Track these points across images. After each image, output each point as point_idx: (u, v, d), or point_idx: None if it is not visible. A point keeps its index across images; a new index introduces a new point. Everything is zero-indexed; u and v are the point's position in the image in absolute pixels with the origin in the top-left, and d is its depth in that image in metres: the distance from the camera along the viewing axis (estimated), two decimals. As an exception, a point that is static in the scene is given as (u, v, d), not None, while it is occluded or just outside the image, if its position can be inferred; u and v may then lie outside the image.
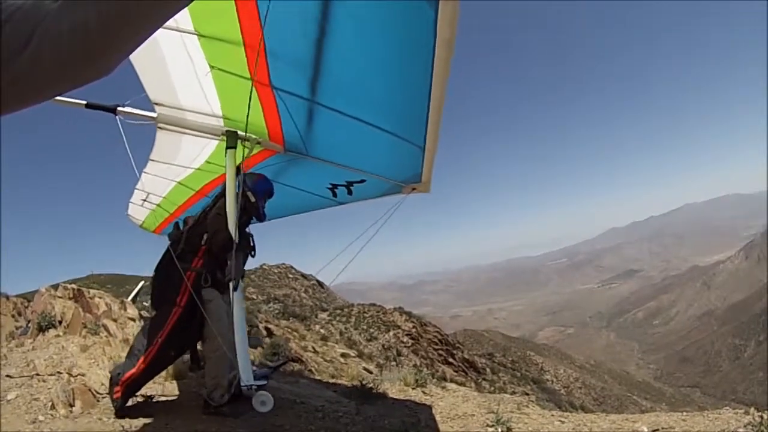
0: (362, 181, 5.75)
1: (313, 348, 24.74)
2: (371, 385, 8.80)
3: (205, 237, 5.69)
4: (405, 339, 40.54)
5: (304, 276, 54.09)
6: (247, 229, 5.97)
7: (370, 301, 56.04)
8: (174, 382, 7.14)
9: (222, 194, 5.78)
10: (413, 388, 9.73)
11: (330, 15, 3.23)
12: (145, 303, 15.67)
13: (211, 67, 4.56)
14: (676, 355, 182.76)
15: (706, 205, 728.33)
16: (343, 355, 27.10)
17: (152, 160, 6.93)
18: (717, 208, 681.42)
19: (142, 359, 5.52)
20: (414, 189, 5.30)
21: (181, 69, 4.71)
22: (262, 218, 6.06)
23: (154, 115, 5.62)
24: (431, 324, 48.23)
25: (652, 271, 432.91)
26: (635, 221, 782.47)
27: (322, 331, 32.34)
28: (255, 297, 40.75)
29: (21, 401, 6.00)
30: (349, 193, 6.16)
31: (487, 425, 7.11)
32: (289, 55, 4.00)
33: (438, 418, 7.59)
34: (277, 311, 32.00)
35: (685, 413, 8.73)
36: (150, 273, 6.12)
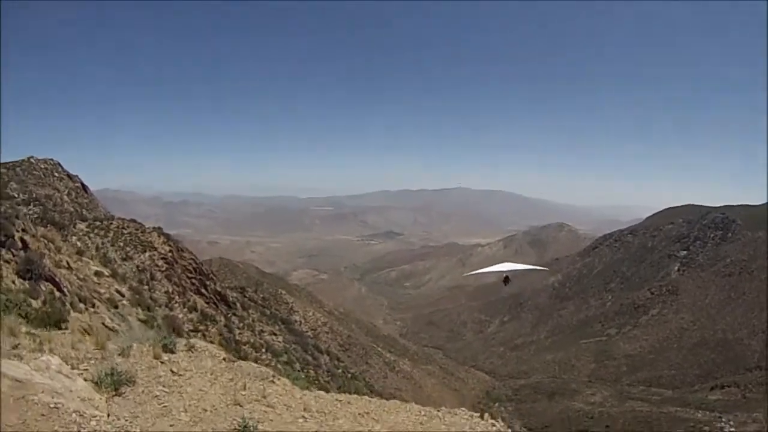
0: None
1: (68, 263, 24.77)
2: (122, 366, 8.45)
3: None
4: (160, 263, 40.38)
5: (69, 176, 51.19)
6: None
7: (131, 213, 55.10)
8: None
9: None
10: (162, 362, 9.66)
11: None
12: None
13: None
14: (423, 318, 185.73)
15: (479, 194, 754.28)
16: (96, 273, 27.32)
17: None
18: (489, 199, 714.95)
19: None
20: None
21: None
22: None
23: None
24: (187, 250, 48.66)
25: (412, 237, 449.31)
26: (407, 189, 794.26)
27: (78, 243, 31.89)
28: (16, 195, 38.19)
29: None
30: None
31: (235, 429, 7.29)
32: None
33: (187, 419, 7.43)
34: (36, 216, 31.02)
35: (423, 414, 10.19)
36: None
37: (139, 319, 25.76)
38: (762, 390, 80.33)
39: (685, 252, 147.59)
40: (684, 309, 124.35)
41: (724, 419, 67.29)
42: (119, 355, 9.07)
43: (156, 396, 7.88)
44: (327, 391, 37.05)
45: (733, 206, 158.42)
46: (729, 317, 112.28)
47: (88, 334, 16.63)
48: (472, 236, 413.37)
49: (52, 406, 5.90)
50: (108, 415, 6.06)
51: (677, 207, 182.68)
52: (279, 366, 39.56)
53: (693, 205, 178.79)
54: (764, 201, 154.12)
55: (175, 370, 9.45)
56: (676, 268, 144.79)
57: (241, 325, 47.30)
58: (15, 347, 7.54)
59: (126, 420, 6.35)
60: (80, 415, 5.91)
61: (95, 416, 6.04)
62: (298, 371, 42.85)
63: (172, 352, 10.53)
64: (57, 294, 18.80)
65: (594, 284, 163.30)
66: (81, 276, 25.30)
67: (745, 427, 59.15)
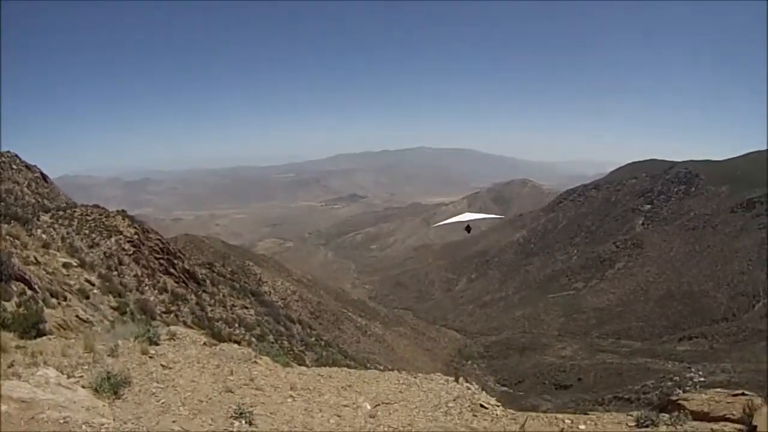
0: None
1: (35, 258, 24.53)
2: (115, 367, 8.63)
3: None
4: (126, 246, 39.89)
5: (28, 167, 50.21)
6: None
7: (94, 198, 54.23)
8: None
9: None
10: (151, 357, 10.02)
11: None
12: None
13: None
14: (391, 279, 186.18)
15: (442, 153, 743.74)
16: (65, 265, 26.96)
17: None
18: (452, 158, 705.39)
19: None
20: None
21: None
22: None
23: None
24: (153, 231, 48.32)
25: (376, 199, 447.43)
26: (369, 151, 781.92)
27: (44, 236, 31.40)
28: (-23, 195, 37.46)
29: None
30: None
31: (232, 416, 7.62)
32: None
33: (186, 412, 7.73)
34: (-2, 213, 30.49)
35: (402, 382, 10.70)
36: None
37: (111, 307, 25.76)
38: (729, 341, 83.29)
39: (649, 206, 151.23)
40: (649, 262, 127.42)
41: (693, 369, 69.10)
42: (109, 355, 9.37)
43: (153, 393, 8.24)
44: (304, 361, 37.52)
45: (696, 161, 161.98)
46: (694, 270, 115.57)
47: (64, 329, 16.76)
48: (435, 195, 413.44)
49: (61, 421, 6.11)
50: (114, 421, 6.35)
51: (641, 161, 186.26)
52: (253, 340, 40.00)
53: (656, 159, 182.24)
54: (727, 156, 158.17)
55: (164, 363, 9.83)
56: (641, 222, 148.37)
57: (212, 301, 47.29)
58: (11, 365, 7.69)
59: (132, 423, 6.60)
60: (90, 426, 6.15)
61: (103, 424, 6.27)
62: (272, 343, 43.43)
63: (157, 344, 10.91)
64: (29, 292, 18.56)
65: (559, 239, 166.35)
66: (50, 270, 24.94)
67: (714, 377, 61.06)
